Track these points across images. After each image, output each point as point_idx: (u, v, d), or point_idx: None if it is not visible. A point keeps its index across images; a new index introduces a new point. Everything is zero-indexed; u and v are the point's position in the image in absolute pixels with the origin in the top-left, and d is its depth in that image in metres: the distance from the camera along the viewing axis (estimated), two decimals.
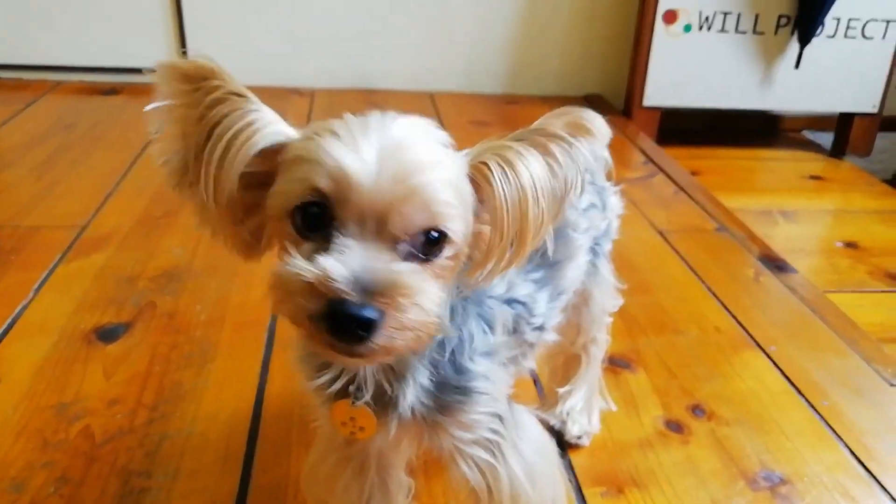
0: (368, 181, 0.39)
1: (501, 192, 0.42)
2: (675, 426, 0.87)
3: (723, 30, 1.85)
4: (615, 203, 0.71)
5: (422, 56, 2.03)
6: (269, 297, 0.41)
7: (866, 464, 0.83)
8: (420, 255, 0.41)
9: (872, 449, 0.86)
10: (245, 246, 0.48)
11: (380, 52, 2.01)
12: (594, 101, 2.02)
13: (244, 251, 0.48)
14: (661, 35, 1.85)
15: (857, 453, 0.85)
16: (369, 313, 0.37)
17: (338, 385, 0.49)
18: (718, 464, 0.82)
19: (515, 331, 0.56)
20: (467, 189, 0.43)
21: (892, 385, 0.98)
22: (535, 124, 0.45)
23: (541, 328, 0.59)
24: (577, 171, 0.44)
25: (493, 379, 0.51)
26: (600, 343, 0.79)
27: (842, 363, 1.02)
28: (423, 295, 0.40)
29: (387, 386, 0.48)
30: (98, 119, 1.74)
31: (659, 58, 1.87)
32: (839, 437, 0.87)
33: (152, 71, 0.43)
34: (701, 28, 1.85)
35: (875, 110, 1.94)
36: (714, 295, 1.16)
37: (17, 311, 0.99)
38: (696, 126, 2.07)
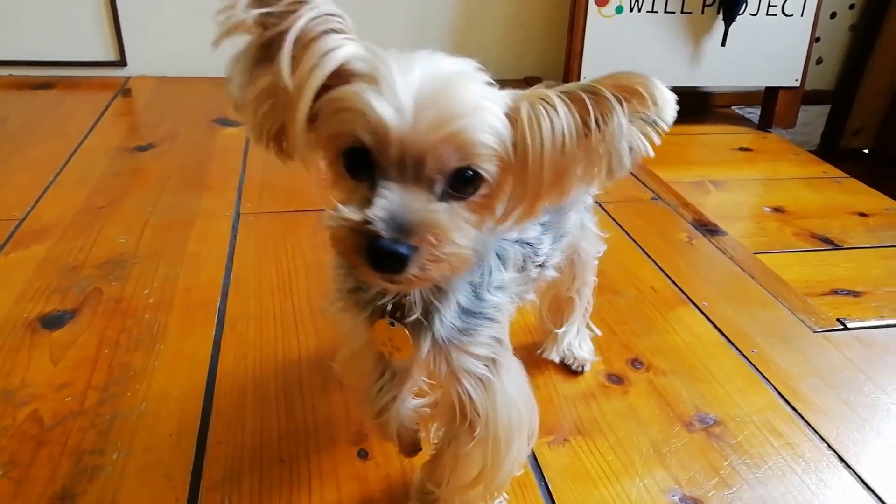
0: (405, 132, 0.41)
1: (525, 138, 0.44)
2: (615, 378, 0.92)
3: (652, 10, 1.91)
4: None
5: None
6: (329, 241, 0.45)
7: (793, 403, 0.89)
8: (456, 193, 0.45)
9: (798, 390, 0.92)
10: (288, 152, 0.49)
11: None
12: (533, 84, 2.06)
13: (285, 156, 0.49)
14: (595, 17, 1.90)
15: (784, 394, 0.91)
16: (402, 249, 0.41)
17: (385, 300, 0.53)
18: (657, 410, 0.86)
19: (523, 269, 0.62)
20: (506, 132, 0.44)
21: (815, 332, 1.05)
22: (593, 79, 0.44)
23: (542, 266, 0.66)
24: (618, 135, 0.43)
25: (502, 309, 0.57)
26: (589, 283, 0.87)
27: (769, 315, 1.08)
28: (456, 232, 0.44)
29: (432, 302, 0.53)
30: (32, 113, 1.69)
31: (593, 39, 1.91)
32: (768, 380, 0.93)
33: None
34: (632, 9, 1.90)
35: (797, 84, 2.04)
36: (650, 258, 1.21)
37: None
38: None
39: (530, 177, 0.45)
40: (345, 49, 0.44)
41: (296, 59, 0.43)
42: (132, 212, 1.26)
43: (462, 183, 0.44)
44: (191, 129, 1.65)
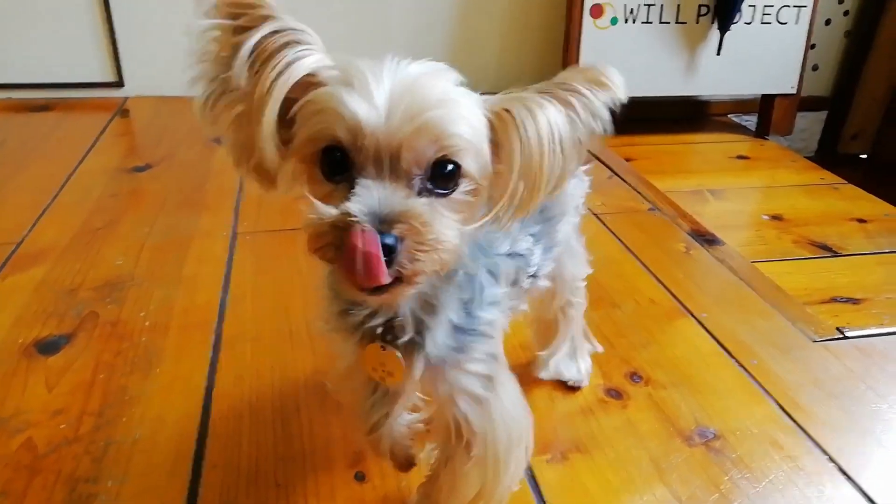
0: (380, 126, 0.41)
1: (523, 139, 0.44)
2: (614, 393, 0.91)
3: (647, 20, 1.91)
4: (586, 179, 0.77)
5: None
6: (306, 243, 0.44)
7: (793, 415, 0.89)
8: (436, 189, 0.44)
9: (798, 401, 0.91)
10: (269, 178, 0.50)
11: None
12: None
13: (267, 183, 0.50)
14: (590, 29, 1.90)
15: (784, 406, 0.90)
16: (387, 239, 0.40)
17: (375, 321, 0.51)
18: (656, 424, 0.86)
19: (516, 282, 0.61)
20: (483, 128, 0.45)
21: (814, 342, 1.04)
22: (557, 78, 0.47)
23: (535, 276, 0.65)
24: (595, 125, 0.46)
25: (495, 325, 0.56)
26: (577, 305, 0.85)
27: (768, 325, 1.08)
28: (439, 223, 0.43)
29: (423, 321, 0.52)
30: (30, 135, 1.70)
31: (589, 51, 1.92)
32: (767, 392, 0.92)
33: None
34: (627, 20, 1.91)
35: (794, 91, 2.04)
36: (648, 269, 1.21)
37: None
38: (629, 115, 2.13)
39: (530, 175, 0.45)
40: (310, 59, 0.45)
41: (259, 73, 0.44)
42: (130, 233, 1.26)
43: (442, 178, 0.44)
44: (188, 149, 1.66)
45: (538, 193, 0.47)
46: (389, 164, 0.43)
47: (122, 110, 1.90)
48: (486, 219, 0.47)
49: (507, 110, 0.45)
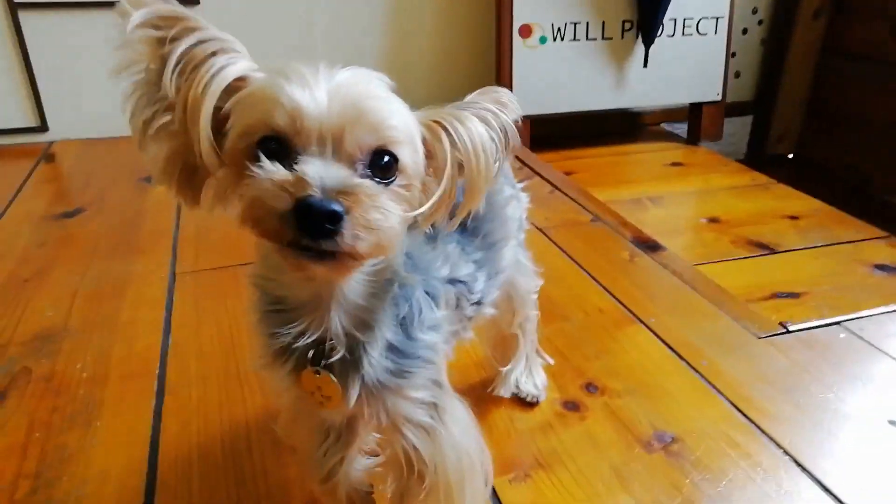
0: (321, 111, 0.42)
1: (458, 144, 0.47)
2: (571, 405, 0.91)
3: (575, 38, 1.97)
4: (524, 197, 0.77)
5: None
6: (240, 213, 0.42)
7: (745, 412, 0.90)
8: (375, 178, 0.44)
9: (749, 398, 0.93)
10: (194, 193, 0.50)
11: None
12: None
13: (192, 198, 0.50)
14: (520, 49, 1.94)
15: (736, 404, 0.91)
16: (335, 206, 0.39)
17: (305, 340, 0.50)
18: (614, 434, 0.86)
19: (458, 306, 0.60)
20: (416, 129, 0.47)
21: (759, 338, 1.07)
22: (468, 99, 0.50)
23: (479, 303, 0.64)
24: (507, 138, 0.50)
25: (436, 350, 0.55)
26: (531, 318, 0.86)
27: (714, 325, 1.10)
28: (384, 202, 0.43)
29: (357, 338, 0.50)
30: None
31: (521, 70, 1.96)
32: (720, 391, 0.94)
33: (123, 13, 0.44)
34: (555, 39, 1.96)
35: (719, 98, 2.12)
36: (595, 280, 1.22)
37: None
38: (565, 131, 2.17)
39: (469, 177, 0.48)
40: (240, 64, 0.45)
41: (189, 79, 0.44)
42: (60, 282, 1.20)
43: (380, 169, 0.44)
44: (119, 191, 1.60)
45: (479, 194, 0.49)
46: (333, 147, 0.42)
47: (48, 155, 1.82)
48: (429, 217, 0.49)
49: (436, 122, 0.48)
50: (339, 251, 0.41)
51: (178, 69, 0.44)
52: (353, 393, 0.51)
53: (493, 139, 0.49)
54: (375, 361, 0.51)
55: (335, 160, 0.42)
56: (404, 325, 0.52)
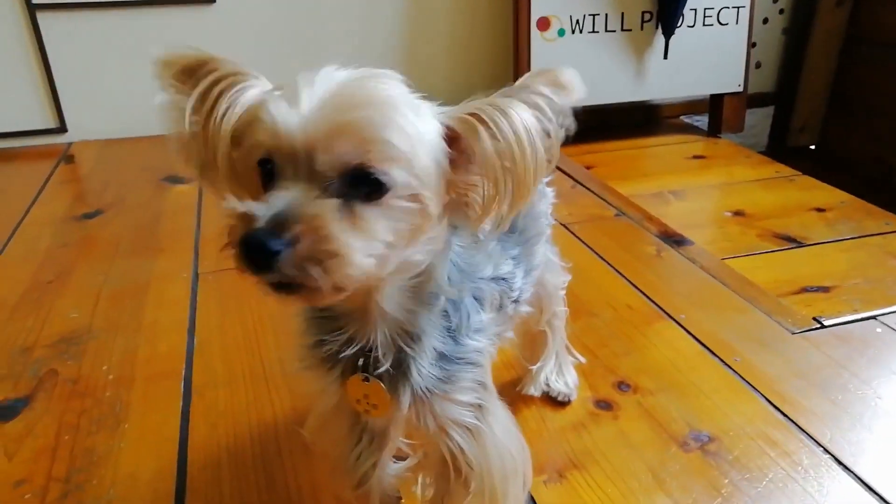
0: (297, 128, 0.40)
1: (499, 138, 0.43)
2: (603, 404, 0.89)
3: (594, 30, 1.94)
4: (549, 192, 0.75)
5: None
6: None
7: (782, 409, 0.88)
8: (356, 197, 0.41)
9: (786, 394, 0.91)
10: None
11: None
12: None
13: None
14: (538, 41, 1.92)
15: (772, 400, 0.90)
16: (273, 243, 0.38)
17: (353, 349, 0.50)
18: (649, 432, 0.84)
19: (500, 307, 0.58)
20: (428, 135, 0.43)
21: (793, 333, 1.04)
22: (519, 83, 0.46)
23: (517, 301, 0.63)
24: (561, 123, 0.46)
25: (483, 352, 0.54)
26: (560, 315, 0.85)
27: (746, 320, 1.08)
28: (346, 231, 0.40)
29: (404, 350, 0.49)
30: None
31: (539, 63, 1.93)
32: (754, 388, 0.92)
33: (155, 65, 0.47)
34: (574, 31, 1.93)
35: (741, 89, 2.08)
36: (621, 275, 1.20)
37: None
38: (584, 125, 2.14)
39: (516, 173, 0.44)
40: (253, 90, 0.46)
41: (211, 112, 0.45)
42: (83, 284, 1.20)
43: (365, 184, 0.41)
44: (139, 191, 1.60)
45: (528, 191, 0.45)
46: (306, 165, 0.41)
47: (67, 156, 1.83)
48: (475, 222, 0.46)
49: (472, 115, 0.44)
50: (295, 283, 0.40)
51: (193, 113, 0.46)
52: (405, 401, 0.51)
53: (544, 128, 0.44)
54: (425, 371, 0.51)
55: (308, 181, 0.41)
56: (452, 332, 0.52)
